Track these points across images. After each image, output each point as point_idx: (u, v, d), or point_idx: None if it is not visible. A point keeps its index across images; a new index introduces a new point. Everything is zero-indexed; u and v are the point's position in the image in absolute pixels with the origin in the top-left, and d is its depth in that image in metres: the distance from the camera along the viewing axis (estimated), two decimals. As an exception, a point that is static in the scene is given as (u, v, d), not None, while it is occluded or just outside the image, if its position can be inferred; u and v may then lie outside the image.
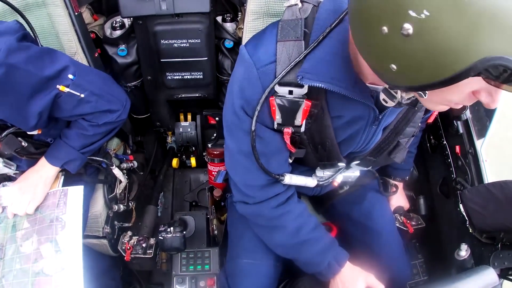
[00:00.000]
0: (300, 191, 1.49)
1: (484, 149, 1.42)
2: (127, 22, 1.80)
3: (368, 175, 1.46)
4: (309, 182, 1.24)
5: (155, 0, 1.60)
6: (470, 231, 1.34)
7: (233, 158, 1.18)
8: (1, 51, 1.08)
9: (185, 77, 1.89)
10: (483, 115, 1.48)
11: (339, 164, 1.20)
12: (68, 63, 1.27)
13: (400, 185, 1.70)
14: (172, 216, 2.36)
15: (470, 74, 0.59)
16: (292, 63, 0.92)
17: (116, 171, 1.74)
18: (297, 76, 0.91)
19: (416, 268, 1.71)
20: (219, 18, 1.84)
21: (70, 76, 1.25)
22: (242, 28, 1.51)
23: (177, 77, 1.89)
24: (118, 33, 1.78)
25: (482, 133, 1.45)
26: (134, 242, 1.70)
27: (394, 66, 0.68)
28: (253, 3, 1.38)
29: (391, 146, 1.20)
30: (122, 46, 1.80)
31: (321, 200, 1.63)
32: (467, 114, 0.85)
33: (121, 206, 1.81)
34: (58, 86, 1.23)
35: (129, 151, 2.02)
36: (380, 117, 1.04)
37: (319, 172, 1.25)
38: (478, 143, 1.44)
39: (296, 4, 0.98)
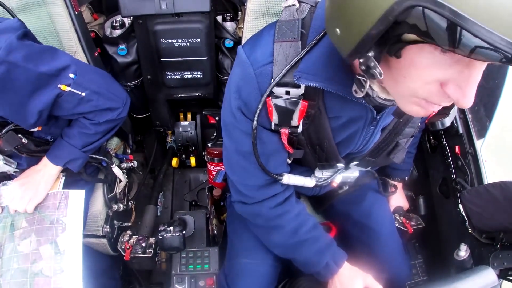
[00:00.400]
0: (300, 191, 1.49)
1: (484, 149, 1.42)
2: (127, 21, 1.80)
3: (368, 175, 1.46)
4: (307, 182, 1.24)
5: (155, -1, 1.60)
6: (470, 231, 1.34)
7: (231, 158, 1.18)
8: (2, 49, 1.09)
9: (185, 76, 1.89)
10: (483, 115, 1.48)
11: (338, 164, 1.20)
12: (69, 62, 1.27)
13: (400, 185, 1.70)
14: (171, 216, 2.36)
15: (389, 19, 0.57)
16: (289, 65, 0.92)
17: (116, 170, 1.74)
18: (294, 76, 0.91)
19: (416, 268, 1.71)
20: (219, 18, 1.84)
21: (71, 75, 1.25)
22: (242, 28, 1.51)
23: (177, 76, 1.89)
24: (118, 32, 1.78)
25: (482, 133, 1.45)
26: (133, 241, 1.70)
27: (338, 31, 0.68)
28: (253, 2, 1.38)
29: (390, 146, 1.20)
30: (122, 46, 1.80)
31: (321, 200, 1.63)
32: (445, 122, 0.79)
33: (121, 205, 1.81)
34: (59, 85, 1.23)
35: (128, 151, 2.02)
36: (378, 117, 1.03)
37: (318, 173, 1.25)
38: (478, 143, 1.43)
39: (293, 5, 0.98)
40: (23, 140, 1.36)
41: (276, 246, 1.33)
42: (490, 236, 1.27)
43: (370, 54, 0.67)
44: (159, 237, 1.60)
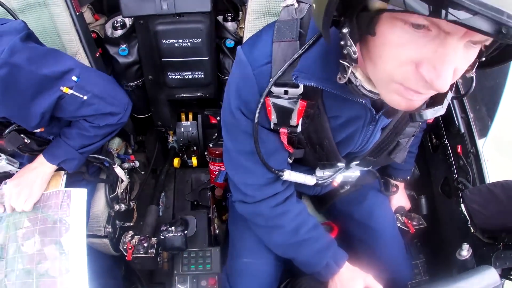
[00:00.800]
0: (301, 190, 1.49)
1: (485, 148, 1.42)
2: (128, 21, 1.80)
3: (369, 175, 1.46)
4: (308, 179, 1.24)
5: (156, 0, 1.60)
6: (472, 231, 1.33)
7: (231, 157, 1.18)
8: (5, 51, 1.09)
9: (186, 76, 1.89)
10: (485, 115, 1.48)
11: (339, 164, 1.20)
12: (73, 65, 1.28)
13: (401, 185, 1.70)
14: (173, 216, 2.36)
15: None
16: (286, 64, 0.92)
17: (118, 170, 1.74)
18: (292, 75, 0.91)
19: (418, 268, 1.71)
20: (220, 18, 1.84)
21: (74, 78, 1.26)
22: (243, 28, 1.51)
23: (178, 76, 1.89)
24: (119, 32, 1.78)
25: (483, 132, 1.45)
26: (135, 241, 1.71)
27: (314, 6, 0.69)
28: (254, 2, 1.38)
29: (391, 146, 1.20)
30: (123, 46, 1.80)
31: (322, 199, 1.63)
32: (426, 114, 0.75)
33: (123, 205, 1.82)
34: (61, 88, 1.24)
35: (130, 151, 2.02)
36: (377, 117, 1.03)
37: (319, 172, 1.25)
38: (479, 142, 1.43)
39: (292, 4, 0.98)
40: (26, 140, 1.37)
41: (277, 246, 1.33)
42: (492, 236, 1.27)
43: (345, 30, 0.68)
44: (161, 237, 1.60)
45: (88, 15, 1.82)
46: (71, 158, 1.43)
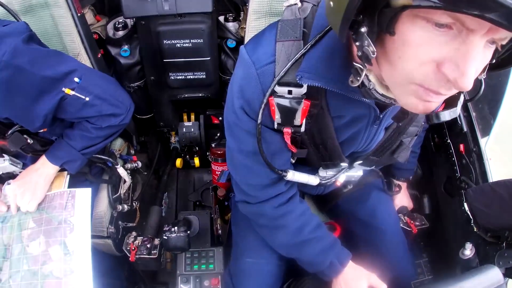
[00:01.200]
0: (304, 190, 1.49)
1: (488, 147, 1.41)
2: (129, 22, 1.80)
3: (372, 174, 1.46)
4: (311, 179, 1.24)
5: (158, 0, 1.60)
6: (475, 230, 1.33)
7: (234, 157, 1.18)
8: (7, 53, 1.09)
9: (188, 77, 1.89)
10: (487, 113, 1.48)
11: (342, 164, 1.20)
12: (75, 66, 1.28)
13: (404, 185, 1.70)
14: (176, 216, 2.37)
15: None
16: (290, 63, 0.91)
17: (121, 171, 1.75)
18: (296, 75, 0.91)
19: (421, 267, 1.71)
20: (221, 18, 1.84)
21: (76, 79, 1.26)
22: (245, 28, 1.51)
23: (180, 77, 1.90)
24: (121, 33, 1.79)
25: (486, 131, 1.44)
26: (138, 242, 1.71)
27: (331, 3, 0.67)
28: (255, 2, 1.38)
29: (394, 145, 1.20)
30: (125, 47, 1.80)
31: (325, 199, 1.63)
32: (443, 115, 0.73)
33: (125, 206, 1.82)
34: (63, 89, 1.24)
35: (132, 151, 2.02)
36: (381, 116, 1.03)
37: (322, 172, 1.25)
38: (482, 141, 1.43)
39: (295, 4, 0.97)
40: (29, 141, 1.38)
41: (280, 246, 1.34)
42: (495, 235, 1.27)
43: (363, 30, 0.66)
44: (164, 237, 1.60)
45: (89, 16, 1.82)
46: (73, 159, 1.43)
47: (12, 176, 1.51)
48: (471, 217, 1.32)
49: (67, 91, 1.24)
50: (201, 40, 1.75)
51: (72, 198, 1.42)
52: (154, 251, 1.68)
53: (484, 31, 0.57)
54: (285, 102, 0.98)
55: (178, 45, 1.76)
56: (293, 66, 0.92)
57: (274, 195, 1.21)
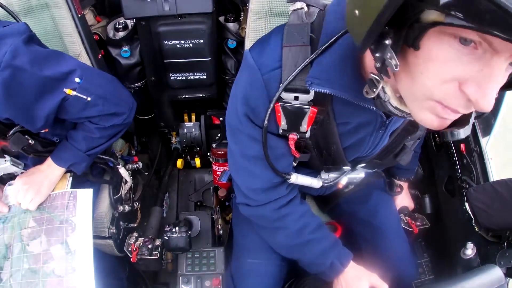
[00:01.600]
0: (305, 191, 1.49)
1: (489, 147, 1.41)
2: (130, 23, 1.80)
3: (374, 175, 1.46)
4: (314, 182, 1.24)
5: (158, 1, 1.60)
6: (476, 229, 1.33)
7: (236, 161, 1.17)
8: (7, 53, 1.09)
9: (189, 77, 1.90)
10: (488, 113, 1.47)
11: (344, 167, 1.20)
12: (75, 66, 1.27)
13: (405, 185, 1.70)
14: (177, 216, 2.37)
15: None
16: (298, 68, 0.90)
17: (122, 171, 1.75)
18: (306, 81, 0.89)
19: (422, 267, 1.70)
20: (221, 18, 1.84)
21: (77, 80, 1.25)
22: (245, 28, 1.51)
23: (180, 77, 1.90)
24: (121, 34, 1.79)
25: (487, 131, 1.44)
26: (140, 243, 1.71)
27: (357, 12, 0.64)
28: (255, 3, 1.38)
29: (397, 149, 1.19)
30: (126, 48, 1.80)
31: (326, 199, 1.63)
32: (459, 133, 0.73)
33: (126, 206, 1.82)
34: (65, 90, 1.24)
35: (133, 152, 2.03)
36: (387, 122, 1.02)
37: (324, 175, 1.25)
38: (483, 141, 1.43)
39: (302, 8, 0.96)
40: (30, 141, 1.37)
41: (281, 247, 1.33)
42: (496, 235, 1.27)
43: (388, 42, 0.64)
44: (165, 237, 1.60)
45: (90, 17, 1.82)
46: (79, 161, 1.44)
47: (13, 177, 1.51)
48: (472, 216, 1.32)
49: (69, 91, 1.24)
50: (202, 41, 1.75)
51: (74, 198, 1.43)
52: (155, 252, 1.68)
53: (509, 53, 0.57)
54: (291, 109, 0.96)
55: (179, 45, 1.76)
56: (301, 72, 0.90)
57: (274, 198, 1.21)
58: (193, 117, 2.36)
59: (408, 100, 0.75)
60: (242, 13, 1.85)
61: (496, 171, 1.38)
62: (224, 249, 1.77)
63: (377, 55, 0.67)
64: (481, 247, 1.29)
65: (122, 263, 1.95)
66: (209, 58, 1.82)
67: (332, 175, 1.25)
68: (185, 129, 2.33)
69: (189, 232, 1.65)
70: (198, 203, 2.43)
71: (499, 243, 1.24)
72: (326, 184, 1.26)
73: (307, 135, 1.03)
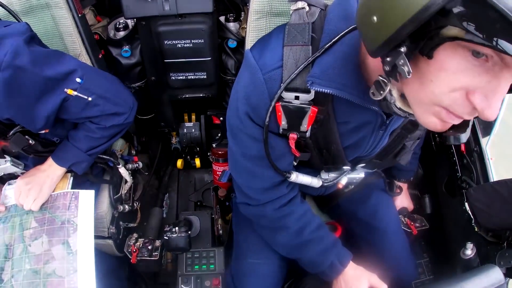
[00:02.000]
0: (305, 191, 1.49)
1: (489, 147, 1.41)
2: (130, 23, 1.80)
3: (374, 175, 1.46)
4: (314, 182, 1.24)
5: (158, 0, 1.60)
6: (476, 230, 1.33)
7: (236, 161, 1.18)
8: (8, 53, 1.09)
9: (189, 77, 1.89)
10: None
11: (344, 167, 1.20)
12: (76, 66, 1.27)
13: (405, 186, 1.70)
14: (177, 216, 2.37)
15: (431, 9, 0.55)
16: (299, 68, 0.90)
17: (122, 170, 1.75)
18: (307, 81, 0.89)
19: (422, 267, 1.71)
20: (222, 18, 1.84)
21: (78, 80, 1.25)
22: (246, 28, 1.51)
23: (181, 77, 1.90)
24: (121, 34, 1.79)
25: (487, 131, 1.44)
26: (140, 244, 1.71)
27: (375, 18, 0.65)
28: (256, 2, 1.38)
29: (397, 149, 1.20)
30: (126, 47, 1.80)
31: (326, 199, 1.63)
32: (460, 138, 0.75)
33: (126, 206, 1.82)
34: (65, 90, 1.24)
35: (134, 152, 2.02)
36: (388, 122, 1.02)
37: (324, 175, 1.25)
38: (483, 141, 1.43)
39: (303, 8, 0.96)
40: (30, 141, 1.37)
41: (281, 246, 1.34)
42: (496, 235, 1.27)
43: (402, 49, 0.64)
44: (165, 237, 1.60)
45: (90, 17, 1.82)
46: (80, 160, 1.44)
47: (13, 177, 1.51)
48: (472, 217, 1.32)
49: (69, 91, 1.24)
50: (202, 40, 1.75)
51: (75, 199, 1.43)
52: (155, 253, 1.68)
53: None
54: (292, 108, 0.97)
55: (179, 45, 1.76)
56: (302, 72, 0.91)
57: (275, 198, 1.21)
58: (193, 117, 2.36)
59: (413, 104, 0.76)
60: (242, 12, 1.85)
61: (496, 171, 1.38)
62: (224, 249, 1.77)
63: (388, 59, 0.68)
64: (481, 247, 1.29)
65: (122, 263, 1.95)
66: (210, 58, 1.82)
67: (332, 175, 1.25)
68: (185, 129, 2.33)
69: (189, 232, 1.65)
70: (198, 203, 2.43)
71: (499, 243, 1.24)
72: (326, 184, 1.26)
73: (308, 134, 1.04)
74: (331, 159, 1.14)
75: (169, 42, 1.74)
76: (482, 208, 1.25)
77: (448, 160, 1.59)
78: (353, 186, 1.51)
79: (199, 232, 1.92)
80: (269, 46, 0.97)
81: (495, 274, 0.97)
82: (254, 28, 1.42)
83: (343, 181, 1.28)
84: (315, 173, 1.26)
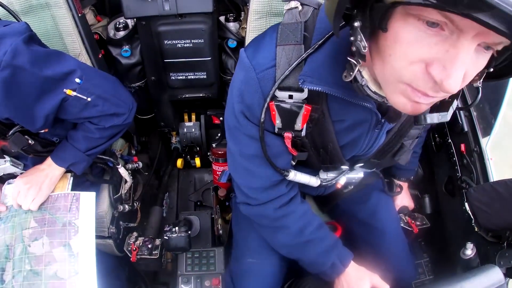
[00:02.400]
0: (305, 191, 1.49)
1: (489, 147, 1.41)
2: (130, 23, 1.80)
3: (373, 175, 1.46)
4: (312, 181, 1.24)
5: (158, 0, 1.60)
6: (476, 230, 1.33)
7: (235, 160, 1.18)
8: (7, 53, 1.09)
9: (189, 77, 1.90)
10: (488, 113, 1.48)
11: (342, 167, 1.20)
12: (75, 66, 1.27)
13: (405, 185, 1.70)
14: (177, 216, 2.37)
15: None
16: (291, 67, 0.91)
17: (122, 170, 1.75)
18: (299, 79, 0.90)
19: (422, 268, 1.70)
20: (222, 18, 1.84)
21: (77, 80, 1.25)
22: (245, 28, 1.51)
23: (180, 77, 1.90)
24: (121, 34, 1.79)
25: (487, 131, 1.44)
26: (139, 243, 1.71)
27: None
28: (256, 2, 1.38)
29: (395, 148, 1.20)
30: (126, 47, 1.80)
31: (326, 199, 1.63)
32: (431, 117, 0.76)
33: (126, 206, 1.82)
34: (65, 90, 1.24)
35: (133, 152, 2.03)
36: (383, 120, 1.02)
37: (323, 174, 1.25)
38: (483, 141, 1.43)
39: (296, 7, 0.97)
40: (30, 141, 1.37)
41: (282, 246, 1.33)
42: (496, 235, 1.27)
43: (356, 24, 0.66)
44: (165, 237, 1.61)
45: (90, 17, 1.82)
46: (79, 161, 1.44)
47: (12, 177, 1.51)
48: (472, 217, 1.32)
49: (69, 92, 1.24)
50: (202, 40, 1.75)
51: (76, 201, 1.43)
52: (155, 252, 1.68)
53: (474, 32, 0.57)
54: (286, 107, 0.97)
55: (179, 45, 1.76)
56: (294, 71, 0.92)
57: (275, 197, 1.21)
58: (193, 116, 2.36)
59: (383, 84, 0.77)
60: (242, 12, 1.85)
61: (496, 171, 1.38)
62: (223, 249, 1.77)
63: (352, 38, 0.70)
64: (481, 247, 1.29)
65: (122, 263, 1.95)
66: (209, 58, 1.82)
67: (331, 175, 1.25)
68: (185, 129, 2.33)
69: (189, 232, 1.65)
70: (198, 203, 2.43)
71: (499, 243, 1.24)
72: (324, 184, 1.26)
73: (303, 133, 1.04)
74: (329, 158, 1.15)
75: (169, 42, 1.74)
76: (482, 208, 1.25)
77: (448, 160, 1.59)
78: (352, 187, 1.51)
79: (199, 232, 1.92)
80: (263, 45, 0.98)
81: (495, 274, 0.97)
82: (254, 28, 1.42)
83: (342, 181, 1.28)
84: (314, 173, 1.26)
